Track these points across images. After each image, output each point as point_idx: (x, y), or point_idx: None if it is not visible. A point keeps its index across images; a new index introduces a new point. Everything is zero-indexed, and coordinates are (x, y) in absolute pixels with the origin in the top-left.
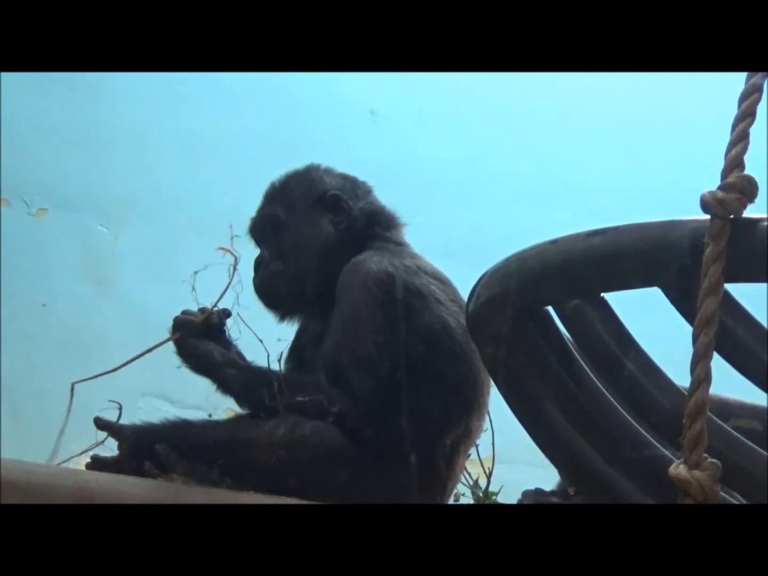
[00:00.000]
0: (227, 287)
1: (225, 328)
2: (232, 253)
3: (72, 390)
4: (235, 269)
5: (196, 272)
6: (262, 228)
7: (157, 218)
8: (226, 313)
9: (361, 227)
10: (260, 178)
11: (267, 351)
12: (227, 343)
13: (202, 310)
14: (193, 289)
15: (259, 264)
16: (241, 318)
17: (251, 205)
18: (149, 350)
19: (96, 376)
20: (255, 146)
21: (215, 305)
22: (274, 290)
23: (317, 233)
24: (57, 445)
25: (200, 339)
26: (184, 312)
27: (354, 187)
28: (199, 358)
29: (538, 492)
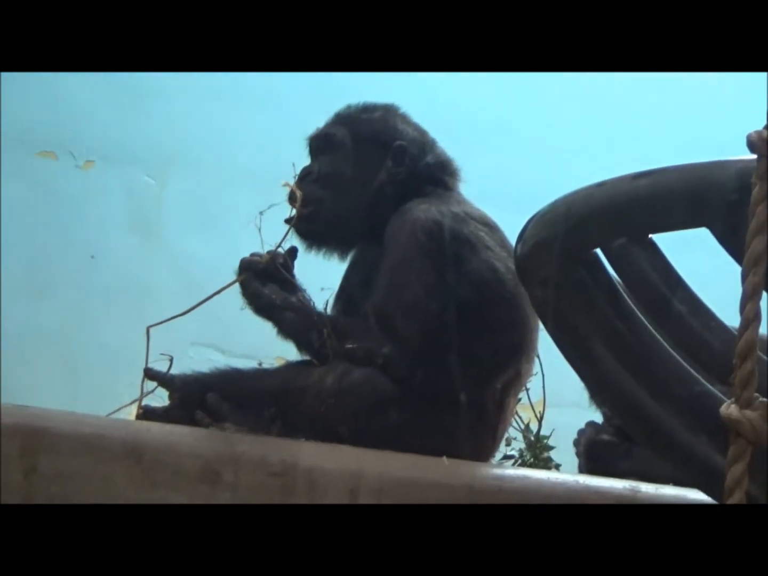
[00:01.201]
0: (291, 227)
1: (292, 268)
2: (295, 191)
3: (148, 334)
4: (298, 207)
5: (261, 213)
6: (323, 143)
7: (202, 168)
8: (293, 253)
9: (418, 181)
10: (304, 127)
11: (311, 299)
12: (293, 285)
13: (269, 253)
14: (259, 230)
15: (305, 175)
16: (285, 266)
17: (295, 154)
18: (218, 292)
19: (169, 320)
20: (300, 95)
21: (279, 245)
22: (310, 216)
23: (371, 177)
24: (142, 391)
25: (265, 281)
26: (252, 254)
27: (423, 141)
28: (261, 301)
29: (595, 426)
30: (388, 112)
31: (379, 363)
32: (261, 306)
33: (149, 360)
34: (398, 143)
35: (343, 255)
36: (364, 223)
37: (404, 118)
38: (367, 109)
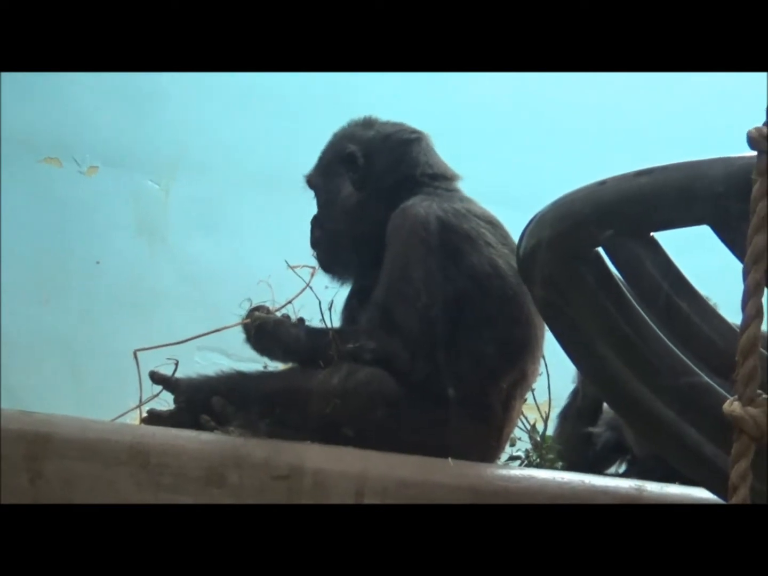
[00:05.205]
0: (301, 291)
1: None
2: (306, 266)
3: (136, 357)
4: (312, 276)
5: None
6: (312, 192)
7: (207, 172)
8: (301, 323)
9: (389, 180)
10: (310, 130)
11: (318, 298)
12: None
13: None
14: (270, 287)
15: (311, 225)
16: (294, 271)
17: (301, 158)
18: (216, 330)
19: (158, 347)
20: (304, 97)
21: (290, 301)
22: (321, 258)
23: (337, 195)
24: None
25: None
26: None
27: (384, 140)
28: (263, 328)
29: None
30: (346, 129)
31: (381, 360)
32: (263, 335)
33: (141, 382)
34: (348, 151)
35: (358, 273)
36: (358, 241)
37: (367, 124)
38: (333, 134)
